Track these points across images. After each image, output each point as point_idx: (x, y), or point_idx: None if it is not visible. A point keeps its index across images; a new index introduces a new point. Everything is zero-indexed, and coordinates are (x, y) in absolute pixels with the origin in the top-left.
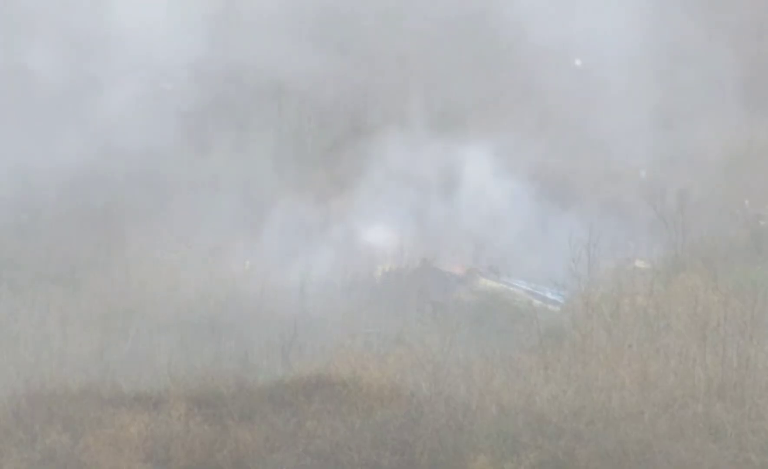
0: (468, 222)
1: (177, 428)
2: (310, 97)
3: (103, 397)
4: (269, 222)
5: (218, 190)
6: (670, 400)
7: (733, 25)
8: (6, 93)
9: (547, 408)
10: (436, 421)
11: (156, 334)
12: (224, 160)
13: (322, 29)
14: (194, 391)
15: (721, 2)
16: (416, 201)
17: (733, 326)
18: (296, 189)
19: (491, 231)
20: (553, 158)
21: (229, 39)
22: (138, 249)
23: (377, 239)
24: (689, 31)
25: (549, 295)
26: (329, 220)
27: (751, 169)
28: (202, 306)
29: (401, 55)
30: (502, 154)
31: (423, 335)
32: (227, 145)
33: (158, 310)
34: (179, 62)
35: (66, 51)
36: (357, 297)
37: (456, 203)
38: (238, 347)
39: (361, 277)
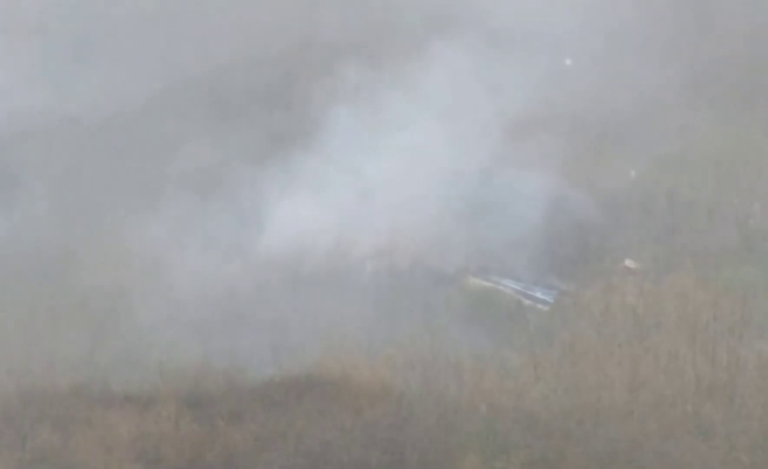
0: (460, 217)
1: (167, 428)
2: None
3: (94, 397)
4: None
5: (209, 186)
6: (660, 399)
7: (723, 26)
8: None
9: (537, 408)
10: (426, 420)
11: (146, 333)
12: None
13: None
14: (184, 391)
15: (712, 3)
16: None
17: (723, 325)
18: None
19: (483, 228)
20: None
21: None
22: (128, 247)
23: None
24: (680, 30)
25: (539, 294)
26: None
27: (740, 169)
28: (193, 305)
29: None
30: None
31: (413, 335)
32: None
33: (148, 309)
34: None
35: None
36: (346, 296)
37: (452, 198)
38: (228, 346)
39: (351, 276)
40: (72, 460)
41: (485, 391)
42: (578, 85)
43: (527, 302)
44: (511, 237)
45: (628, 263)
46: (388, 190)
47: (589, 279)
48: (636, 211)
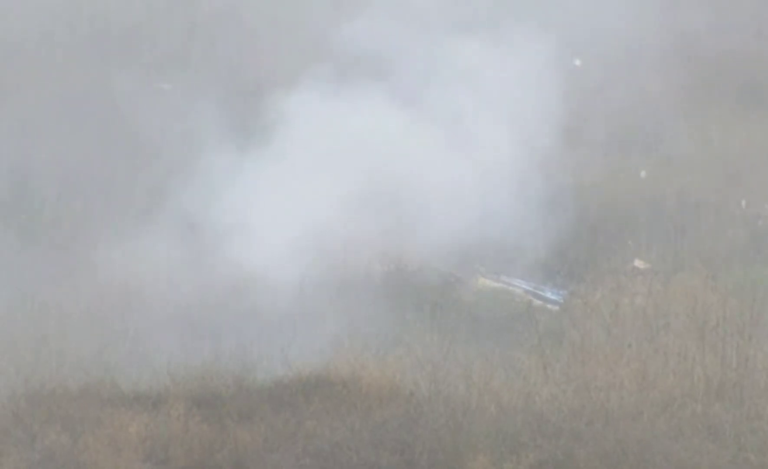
0: (469, 218)
1: (176, 428)
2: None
3: (103, 397)
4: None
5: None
6: (669, 400)
7: (731, 24)
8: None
9: (547, 408)
10: (436, 421)
11: (155, 333)
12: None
13: None
14: (193, 391)
15: (719, 1)
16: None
17: (732, 325)
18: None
19: (489, 230)
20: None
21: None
22: (137, 247)
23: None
24: (688, 29)
25: (549, 295)
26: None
27: (750, 169)
28: (202, 305)
29: None
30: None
31: (422, 335)
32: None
33: (157, 309)
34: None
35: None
36: (356, 297)
37: (460, 199)
38: (238, 346)
39: (361, 276)
40: (81, 459)
41: (494, 391)
42: (587, 84)
43: (537, 302)
44: (520, 238)
45: (638, 263)
46: (397, 190)
47: (598, 279)
48: (645, 212)
